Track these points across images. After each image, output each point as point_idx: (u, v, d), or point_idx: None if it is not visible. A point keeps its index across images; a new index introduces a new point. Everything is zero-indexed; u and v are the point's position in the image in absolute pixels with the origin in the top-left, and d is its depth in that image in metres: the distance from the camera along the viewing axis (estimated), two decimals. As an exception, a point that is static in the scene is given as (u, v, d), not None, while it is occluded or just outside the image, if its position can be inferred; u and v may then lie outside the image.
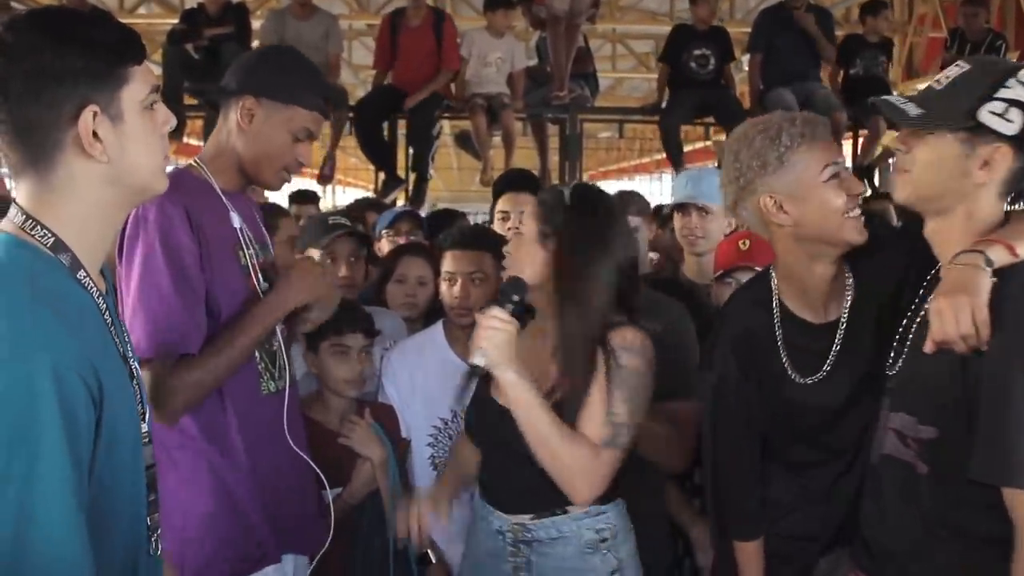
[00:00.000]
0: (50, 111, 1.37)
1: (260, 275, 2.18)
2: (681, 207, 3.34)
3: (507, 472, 2.14)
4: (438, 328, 2.87)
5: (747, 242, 2.85)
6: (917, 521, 1.76)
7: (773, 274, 2.10)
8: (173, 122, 1.50)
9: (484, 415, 2.17)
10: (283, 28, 7.01)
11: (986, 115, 1.66)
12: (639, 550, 2.47)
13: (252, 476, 2.13)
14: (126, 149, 1.42)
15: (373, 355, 2.78)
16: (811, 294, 2.03)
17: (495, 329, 1.97)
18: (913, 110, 1.72)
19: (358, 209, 5.18)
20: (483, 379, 2.12)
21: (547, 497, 2.09)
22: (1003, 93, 1.66)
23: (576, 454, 1.99)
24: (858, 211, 1.95)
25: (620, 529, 2.18)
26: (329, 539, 2.28)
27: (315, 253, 2.90)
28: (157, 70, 1.98)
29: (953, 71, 1.73)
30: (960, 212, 1.72)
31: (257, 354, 2.15)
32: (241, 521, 2.11)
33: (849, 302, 2.03)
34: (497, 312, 1.99)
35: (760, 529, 2.13)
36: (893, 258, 1.98)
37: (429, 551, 2.73)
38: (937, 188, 1.72)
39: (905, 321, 1.84)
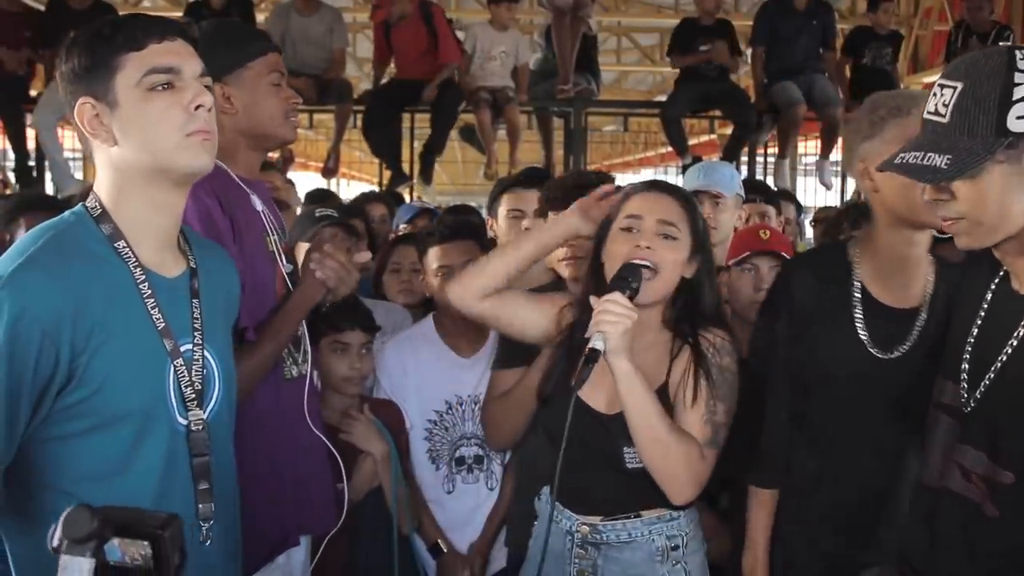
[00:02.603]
0: (71, 108, 1.60)
1: (284, 258, 2.21)
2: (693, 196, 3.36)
3: (585, 473, 2.06)
4: (428, 322, 2.87)
5: (767, 232, 2.88)
6: (969, 556, 1.63)
7: (851, 250, 2.09)
8: (205, 99, 1.61)
9: (563, 419, 2.01)
10: (287, 23, 7.01)
11: (1015, 122, 1.48)
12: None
13: (277, 461, 2.14)
14: (127, 132, 1.58)
15: (374, 351, 2.77)
16: (887, 270, 2.03)
17: (618, 315, 1.88)
18: (940, 160, 1.50)
19: (361, 202, 5.20)
20: (565, 378, 2.03)
21: (622, 501, 2.06)
22: (1018, 93, 1.48)
23: (686, 451, 1.95)
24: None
25: (692, 537, 2.11)
26: (342, 520, 2.29)
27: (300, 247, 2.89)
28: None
29: (946, 95, 1.53)
30: None
31: None
32: (266, 506, 2.12)
33: (930, 292, 2.02)
34: (619, 298, 1.90)
35: (778, 480, 2.13)
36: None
37: (440, 541, 2.75)
38: (1003, 219, 1.54)
39: (974, 342, 1.67)
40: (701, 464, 1.97)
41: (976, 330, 1.67)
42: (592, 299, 1.93)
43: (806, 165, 9.28)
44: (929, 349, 1.93)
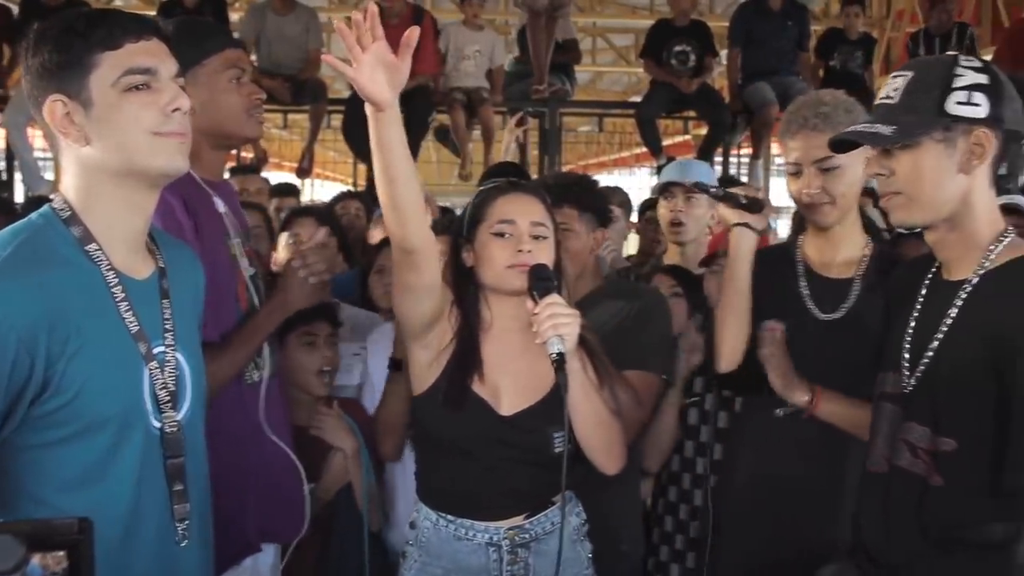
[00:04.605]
0: (37, 104, 1.55)
1: (246, 262, 2.17)
2: (667, 191, 3.36)
3: (500, 478, 2.06)
4: None
5: None
6: (922, 533, 1.71)
7: (800, 237, 2.42)
8: (182, 103, 1.59)
9: (474, 424, 2.05)
10: (263, 23, 6.98)
11: (954, 106, 1.69)
12: (615, 542, 2.49)
13: (237, 466, 2.10)
14: (101, 132, 1.54)
15: (339, 347, 2.75)
16: (817, 244, 2.33)
17: (570, 315, 1.91)
18: (885, 129, 1.71)
19: (337, 201, 5.18)
20: (461, 387, 2.05)
21: (542, 492, 2.07)
22: (958, 82, 1.70)
23: (619, 428, 2.09)
24: (807, 200, 2.24)
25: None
26: (305, 527, 2.27)
27: (282, 238, 2.91)
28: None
29: (898, 82, 1.75)
30: (962, 212, 1.72)
31: None
32: (227, 511, 2.06)
33: (865, 265, 2.28)
34: (559, 299, 1.92)
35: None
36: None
37: None
38: (935, 196, 1.71)
39: (912, 331, 1.79)
40: (624, 435, 2.12)
41: (913, 321, 1.80)
42: (530, 304, 1.93)
43: (779, 166, 9.33)
44: (865, 314, 2.18)
